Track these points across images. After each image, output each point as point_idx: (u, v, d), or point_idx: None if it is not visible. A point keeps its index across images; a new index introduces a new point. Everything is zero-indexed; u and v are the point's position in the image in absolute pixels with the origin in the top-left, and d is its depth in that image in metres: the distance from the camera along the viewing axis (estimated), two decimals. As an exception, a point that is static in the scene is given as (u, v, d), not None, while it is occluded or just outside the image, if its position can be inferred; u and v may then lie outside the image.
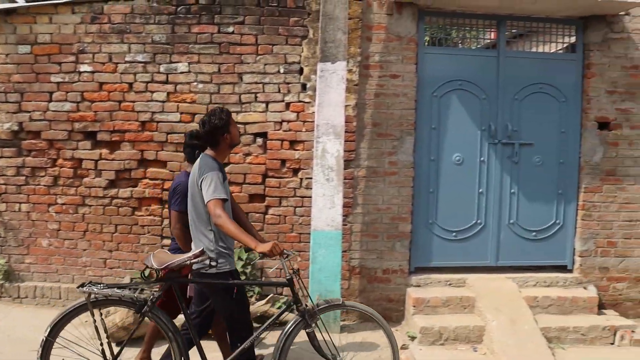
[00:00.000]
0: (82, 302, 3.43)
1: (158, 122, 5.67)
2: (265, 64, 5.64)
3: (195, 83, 5.65)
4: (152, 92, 5.66)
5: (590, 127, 6.04)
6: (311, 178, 5.54)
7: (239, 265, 5.61)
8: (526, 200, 6.07)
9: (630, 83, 6.07)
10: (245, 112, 5.65)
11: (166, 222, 5.68)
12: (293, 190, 5.74)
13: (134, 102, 5.66)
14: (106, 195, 5.73)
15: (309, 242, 5.49)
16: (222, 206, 3.48)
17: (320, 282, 5.39)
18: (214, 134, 3.70)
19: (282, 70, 5.65)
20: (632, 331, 5.45)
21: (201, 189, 3.53)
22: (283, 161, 5.71)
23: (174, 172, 5.63)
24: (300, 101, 5.68)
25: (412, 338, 5.25)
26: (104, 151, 5.70)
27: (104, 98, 5.66)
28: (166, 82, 5.66)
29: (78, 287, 3.39)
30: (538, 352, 4.96)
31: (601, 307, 5.97)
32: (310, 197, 5.52)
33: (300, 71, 5.67)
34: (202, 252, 3.52)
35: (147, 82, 5.65)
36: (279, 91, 5.67)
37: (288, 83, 5.67)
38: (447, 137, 5.91)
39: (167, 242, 5.66)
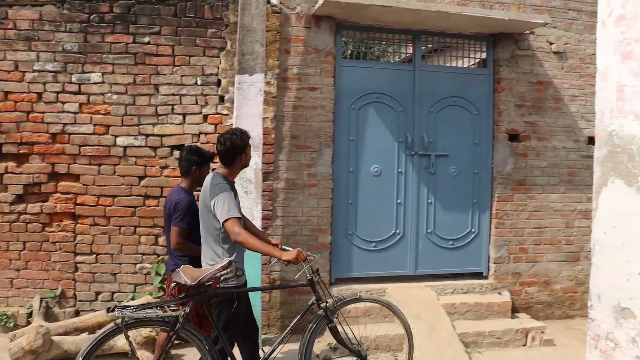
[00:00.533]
0: (112, 327, 3.38)
1: (70, 133, 5.45)
2: (183, 76, 5.56)
3: (109, 94, 5.48)
4: (64, 102, 5.43)
5: (502, 139, 6.31)
6: (230, 190, 5.47)
7: (156, 281, 5.49)
8: (443, 210, 6.25)
9: (536, 97, 6.41)
10: (162, 124, 5.54)
11: (80, 237, 5.47)
12: (212, 203, 5.65)
13: (43, 112, 5.41)
14: (13, 210, 5.44)
15: (229, 256, 5.40)
16: (239, 224, 3.56)
17: (241, 295, 5.31)
18: (233, 153, 3.76)
19: (199, 82, 5.59)
20: (542, 332, 5.73)
21: (214, 209, 3.59)
22: (201, 174, 5.63)
23: (88, 186, 5.43)
24: (218, 113, 5.62)
25: (334, 349, 5.26)
26: (11, 164, 5.41)
27: (10, 108, 5.38)
28: (78, 92, 5.45)
29: (108, 312, 3.32)
30: (456, 357, 5.10)
31: (515, 310, 6.24)
32: (230, 209, 5.44)
33: (218, 83, 5.62)
34: (230, 264, 3.56)
35: (58, 92, 5.42)
36: (197, 103, 5.60)
37: (206, 95, 5.60)
38: (365, 149, 6.01)
39: (80, 258, 5.46)
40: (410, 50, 6.41)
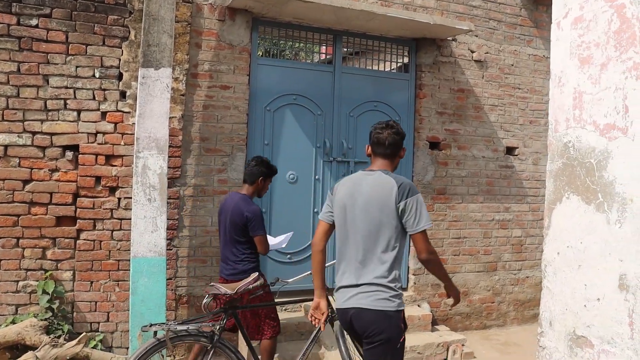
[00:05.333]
0: (154, 342, 3.57)
1: (-62, 129, 4.68)
2: (78, 67, 4.91)
3: (-14, 83, 4.74)
4: None
5: (423, 147, 6.12)
6: (131, 198, 4.90)
7: (43, 301, 4.80)
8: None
9: (457, 105, 6.28)
10: (52, 120, 4.85)
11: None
12: (110, 211, 5.03)
13: None
14: None
15: (129, 271, 4.83)
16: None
17: (143, 315, 4.73)
18: (399, 146, 3.22)
19: (97, 75, 4.96)
20: (462, 345, 5.63)
21: (401, 213, 2.96)
22: (98, 178, 4.99)
23: (-41, 190, 4.67)
24: (118, 110, 5.02)
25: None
26: None
27: None
28: (-51, 81, 4.69)
29: (143, 329, 3.57)
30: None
31: (434, 322, 6.04)
32: (130, 219, 4.87)
33: (120, 77, 5.03)
34: (259, 277, 3.96)
35: None
36: (94, 98, 4.97)
37: (105, 89, 4.99)
38: (281, 154, 5.62)
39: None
40: (330, 50, 6.10)
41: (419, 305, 6.06)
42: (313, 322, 3.28)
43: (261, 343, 4.43)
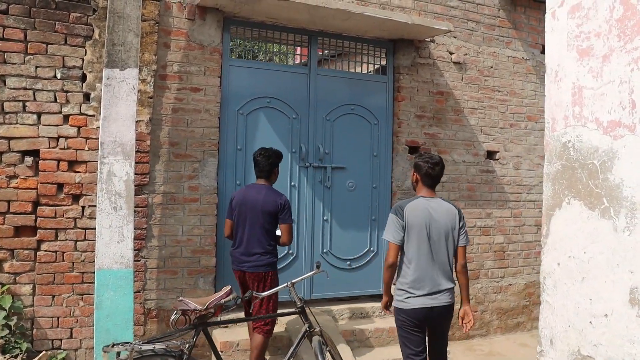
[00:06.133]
0: None
1: None
2: (38, 67, 4.61)
3: None
4: None
5: (402, 152, 5.93)
6: (95, 206, 4.60)
7: (0, 317, 4.48)
8: (339, 228, 5.74)
9: (436, 109, 6.12)
10: (10, 124, 4.54)
11: None
12: (73, 220, 4.73)
13: None
14: None
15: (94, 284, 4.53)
16: None
17: (109, 331, 4.43)
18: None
19: (59, 76, 4.67)
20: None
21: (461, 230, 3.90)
22: (60, 185, 4.69)
23: None
24: (82, 113, 4.73)
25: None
26: None
27: None
28: None
29: (104, 350, 3.34)
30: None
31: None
32: (95, 228, 4.58)
33: (83, 78, 4.74)
34: (232, 291, 3.78)
35: None
36: (56, 100, 4.67)
37: (67, 91, 4.70)
38: (255, 160, 5.38)
39: None
40: (305, 52, 5.89)
41: (399, 315, 5.86)
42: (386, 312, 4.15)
43: (254, 338, 4.49)
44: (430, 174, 3.88)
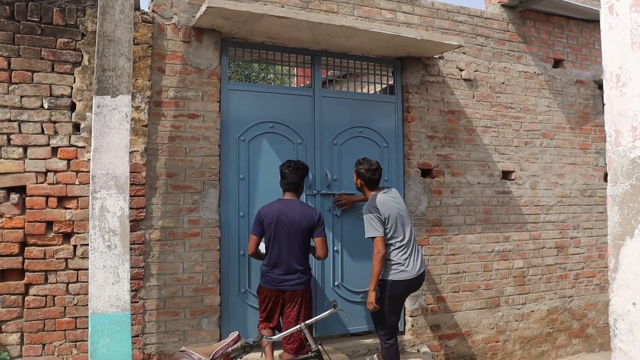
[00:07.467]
0: None
1: None
2: (23, 96, 4.29)
3: None
4: None
5: (414, 175, 5.60)
6: (88, 245, 4.24)
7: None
8: (351, 259, 5.38)
9: (448, 128, 5.80)
10: (-6, 159, 4.22)
11: None
12: (64, 261, 4.37)
13: None
14: None
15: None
16: None
17: (104, 380, 4.06)
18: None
19: (46, 105, 4.35)
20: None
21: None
22: (49, 223, 4.34)
23: None
24: (72, 145, 4.40)
25: None
26: None
27: None
28: None
29: None
30: None
31: (434, 369, 5.44)
32: (88, 269, 4.21)
33: (72, 107, 4.42)
34: (239, 337, 3.55)
35: None
36: (43, 132, 4.34)
37: (55, 122, 4.37)
38: (259, 189, 5.04)
39: None
40: (309, 73, 5.57)
41: (418, 350, 5.46)
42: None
43: (283, 356, 4.47)
44: (372, 179, 4.67)
